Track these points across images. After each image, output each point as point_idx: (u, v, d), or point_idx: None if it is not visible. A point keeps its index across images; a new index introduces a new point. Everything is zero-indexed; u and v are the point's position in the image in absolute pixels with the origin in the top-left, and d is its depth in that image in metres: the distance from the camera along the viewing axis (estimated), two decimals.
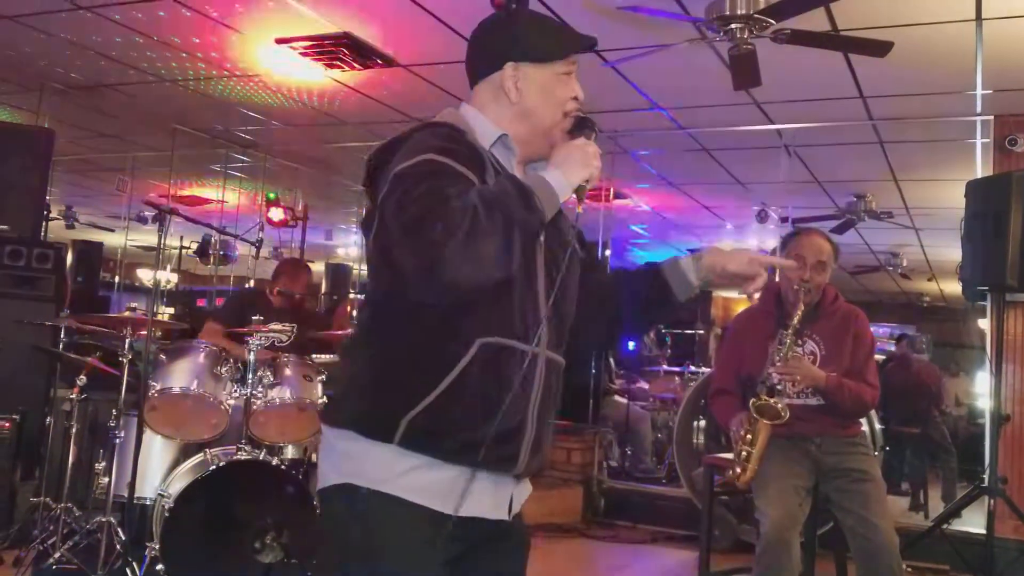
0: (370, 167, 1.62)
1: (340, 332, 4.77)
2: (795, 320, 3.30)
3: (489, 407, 1.51)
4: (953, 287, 11.93)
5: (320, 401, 4.13)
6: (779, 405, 3.19)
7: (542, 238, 1.59)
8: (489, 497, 1.58)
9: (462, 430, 1.50)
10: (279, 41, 5.28)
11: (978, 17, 4.31)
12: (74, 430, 4.18)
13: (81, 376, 4.17)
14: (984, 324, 5.71)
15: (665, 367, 9.96)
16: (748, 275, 1.74)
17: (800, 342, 3.42)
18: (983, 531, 4.50)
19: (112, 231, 11.50)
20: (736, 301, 16.79)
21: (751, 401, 3.23)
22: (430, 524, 1.51)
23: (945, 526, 4.91)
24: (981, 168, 6.26)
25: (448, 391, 1.49)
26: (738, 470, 3.24)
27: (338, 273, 11.82)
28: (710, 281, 1.78)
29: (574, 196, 1.58)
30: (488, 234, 1.37)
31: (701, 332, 13.47)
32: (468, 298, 1.44)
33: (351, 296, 10.48)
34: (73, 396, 4.16)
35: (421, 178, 1.43)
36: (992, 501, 4.49)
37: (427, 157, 1.47)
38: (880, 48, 4.09)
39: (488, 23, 1.74)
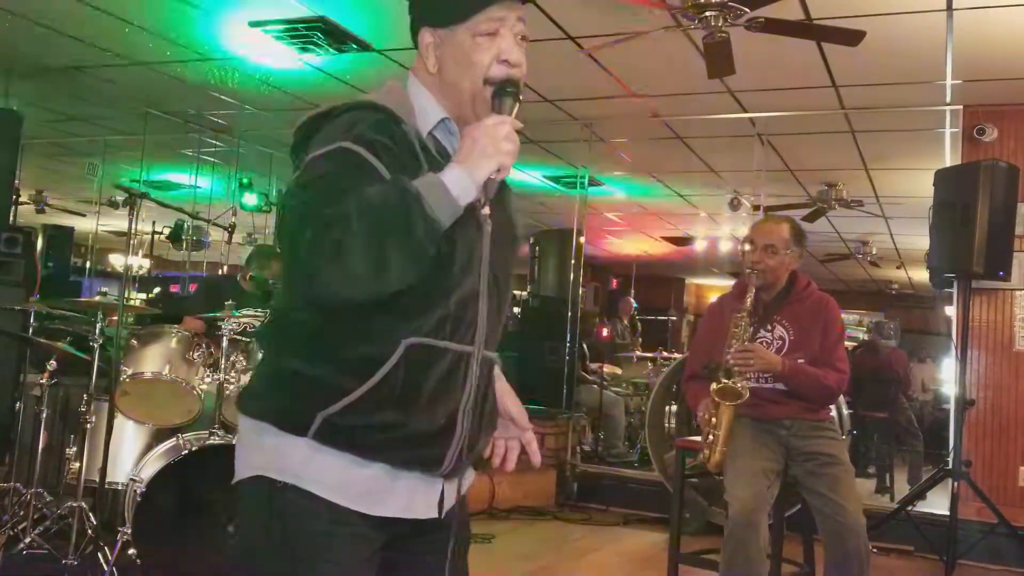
0: (298, 136, 1.49)
1: None
2: (748, 302, 3.35)
3: (413, 409, 1.41)
4: (921, 275, 12.08)
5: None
6: (739, 385, 3.23)
7: (488, 228, 1.47)
8: (420, 496, 1.49)
9: (383, 431, 1.40)
10: (253, 24, 5.24)
11: (948, 7, 4.36)
12: (44, 415, 4.14)
13: (51, 361, 4.14)
14: (950, 311, 5.81)
15: (639, 353, 10.03)
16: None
17: (770, 327, 3.47)
18: (947, 513, 4.61)
19: (83, 216, 11.36)
20: (708, 288, 16.92)
21: (711, 386, 3.28)
22: (352, 521, 1.42)
23: (910, 508, 5.01)
24: (950, 157, 6.34)
25: (371, 392, 1.38)
26: (707, 452, 3.30)
27: None
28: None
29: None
30: (355, 250, 1.24)
31: (674, 318, 13.59)
32: (360, 306, 1.33)
33: None
34: (43, 381, 4.12)
35: (322, 174, 1.34)
36: (956, 484, 4.59)
37: (342, 146, 1.36)
38: (852, 37, 4.13)
39: None
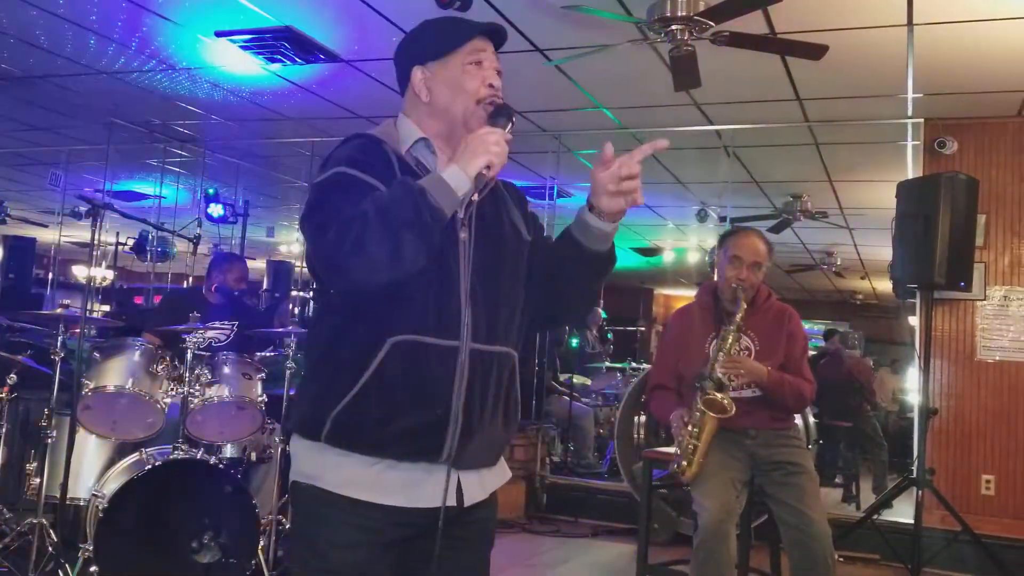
0: (319, 170, 1.75)
1: (281, 329, 4.72)
2: (738, 317, 3.36)
3: (404, 403, 1.59)
4: (885, 285, 12.27)
5: (259, 400, 4.10)
6: (725, 400, 3.25)
7: (463, 235, 1.66)
8: (428, 486, 1.62)
9: (379, 425, 1.59)
10: (219, 34, 5.21)
11: (909, 22, 4.44)
12: (4, 430, 4.07)
13: (11, 375, 4.07)
14: (914, 321, 5.88)
15: (608, 363, 10.04)
16: (617, 188, 1.65)
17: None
18: (911, 521, 4.65)
19: (45, 226, 11.19)
20: (676, 299, 17.01)
21: (699, 396, 3.28)
22: (361, 512, 1.60)
23: (875, 517, 5.06)
24: (912, 170, 6.44)
25: (364, 389, 1.59)
26: (684, 463, 3.28)
27: (280, 270, 11.66)
28: (611, 212, 1.68)
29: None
30: (375, 239, 1.50)
31: (642, 328, 13.63)
32: (381, 292, 1.56)
33: (293, 293, 10.36)
34: (3, 395, 4.06)
35: (327, 189, 1.63)
36: (920, 492, 4.64)
37: (337, 170, 1.64)
38: (815, 51, 4.18)
39: (401, 40, 1.86)
